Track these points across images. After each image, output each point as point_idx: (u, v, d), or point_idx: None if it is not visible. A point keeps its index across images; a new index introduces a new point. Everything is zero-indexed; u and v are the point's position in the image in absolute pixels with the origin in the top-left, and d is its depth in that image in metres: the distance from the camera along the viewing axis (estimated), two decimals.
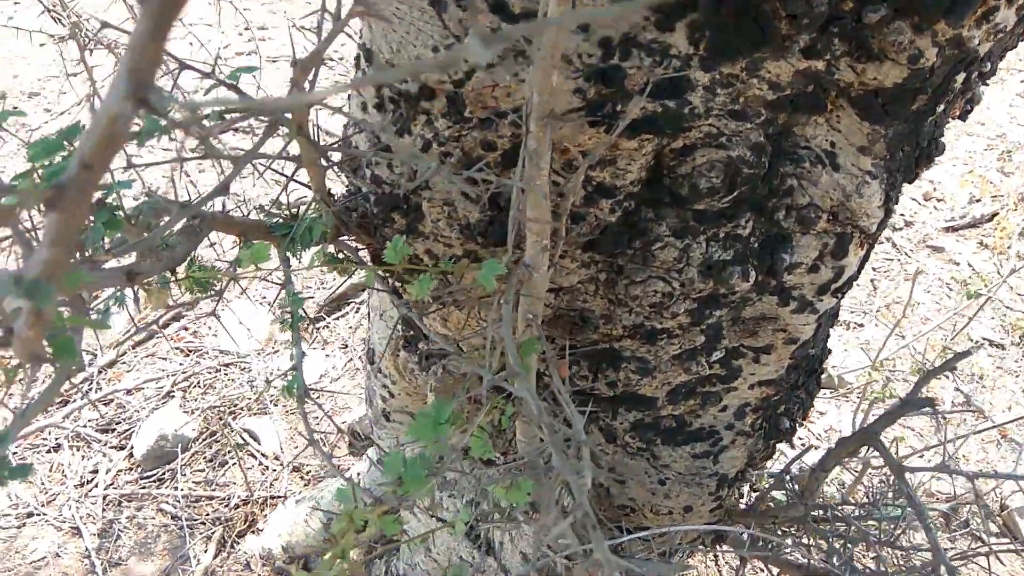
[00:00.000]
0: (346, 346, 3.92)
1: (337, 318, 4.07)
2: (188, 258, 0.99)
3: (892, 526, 1.31)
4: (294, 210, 1.13)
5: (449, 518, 2.10)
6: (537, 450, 1.24)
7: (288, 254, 1.16)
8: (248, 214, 1.15)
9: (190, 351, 3.89)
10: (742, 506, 1.52)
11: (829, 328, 1.32)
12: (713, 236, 1.06)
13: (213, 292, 1.06)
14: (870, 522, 1.33)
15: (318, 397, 3.70)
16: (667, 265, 1.07)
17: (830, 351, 1.44)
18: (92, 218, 0.88)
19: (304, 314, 1.06)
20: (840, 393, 3.48)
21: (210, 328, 4.04)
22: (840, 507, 1.35)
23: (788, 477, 1.40)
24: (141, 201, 0.95)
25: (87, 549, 3.09)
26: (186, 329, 4.05)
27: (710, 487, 1.43)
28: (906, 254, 4.49)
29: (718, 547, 1.51)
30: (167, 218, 0.96)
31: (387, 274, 1.15)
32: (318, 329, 4.04)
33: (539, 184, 0.81)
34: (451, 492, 2.02)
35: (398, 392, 1.92)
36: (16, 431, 0.61)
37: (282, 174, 1.06)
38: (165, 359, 3.89)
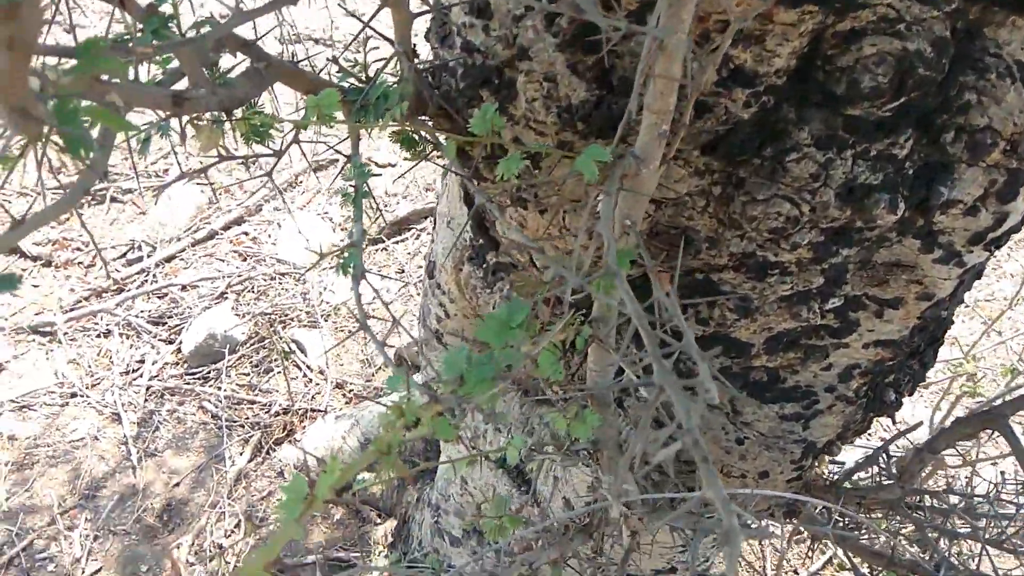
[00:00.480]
0: (402, 271, 3.82)
1: (397, 242, 3.97)
2: (247, 103, 0.86)
3: (1007, 524, 1.13)
4: (370, 73, 0.99)
5: (494, 454, 1.98)
6: (608, 381, 1.10)
7: (359, 127, 1.02)
8: (319, 72, 1.00)
9: (247, 256, 3.84)
10: (822, 482, 1.36)
11: (967, 290, 1.13)
12: (862, 153, 0.88)
13: (270, 149, 0.92)
14: (974, 517, 1.16)
15: (368, 318, 3.61)
16: (800, 183, 0.90)
17: None
18: (141, 26, 0.75)
19: (368, 191, 0.92)
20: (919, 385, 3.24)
21: (270, 236, 3.98)
22: (945, 494, 1.18)
23: (885, 455, 1.24)
24: (199, 20, 0.81)
25: (125, 436, 3.09)
26: (246, 234, 4.00)
27: (793, 454, 1.27)
28: (1007, 248, 4.15)
29: (791, 521, 1.35)
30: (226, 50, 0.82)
31: (468, 154, 1.00)
32: (376, 251, 3.94)
33: (678, 38, 0.64)
34: (498, 426, 1.89)
35: (455, 312, 1.79)
36: (16, 237, 0.49)
37: (358, 19, 0.91)
38: (223, 261, 3.85)
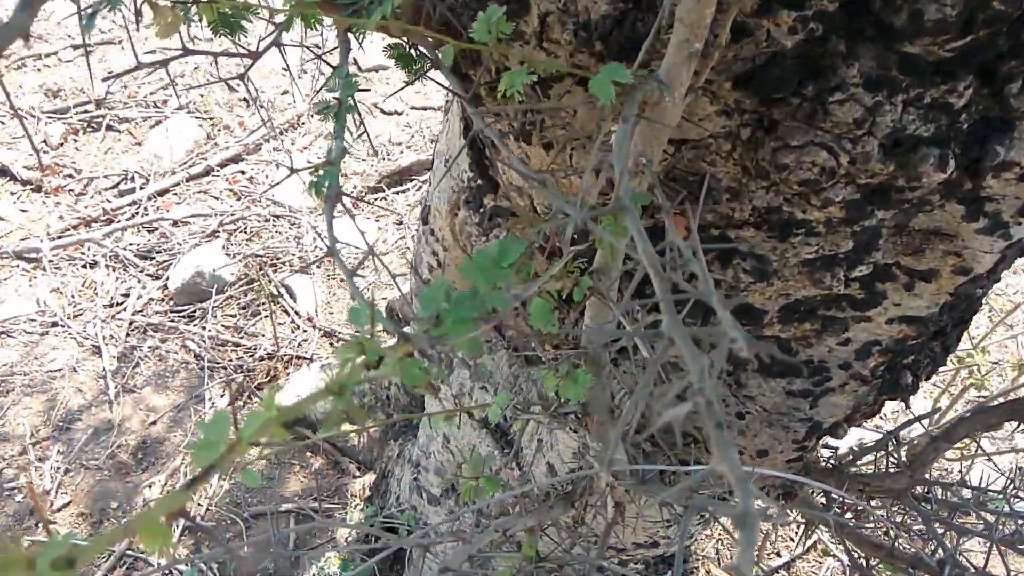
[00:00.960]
0: (401, 222, 3.71)
1: (397, 192, 3.86)
2: None
3: (1022, 523, 1.05)
4: None
5: (477, 412, 1.90)
6: (605, 337, 1.00)
7: (349, 33, 0.91)
8: None
9: (243, 195, 3.73)
10: (823, 465, 1.27)
11: (1007, 268, 1.03)
12: (915, 99, 0.77)
13: (241, 47, 0.81)
14: (986, 514, 1.07)
15: (363, 268, 3.52)
16: (841, 129, 0.79)
17: None
18: None
19: (354, 104, 0.82)
20: None
21: (267, 176, 3.86)
22: (956, 487, 1.09)
23: (894, 441, 1.15)
24: None
25: (104, 370, 3.01)
26: (243, 173, 3.88)
27: (796, 433, 1.18)
28: None
29: (787, 503, 1.27)
30: None
31: (469, 77, 0.89)
32: (373, 202, 3.83)
33: None
34: (484, 384, 1.81)
35: (448, 262, 1.69)
36: None
37: None
38: (217, 198, 3.74)
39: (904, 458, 1.14)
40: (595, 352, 0.96)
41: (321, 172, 0.74)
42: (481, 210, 1.27)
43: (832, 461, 1.26)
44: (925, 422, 1.29)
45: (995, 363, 3.11)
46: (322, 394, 0.50)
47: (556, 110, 0.83)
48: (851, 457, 1.22)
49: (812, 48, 0.76)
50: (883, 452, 1.15)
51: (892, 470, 1.14)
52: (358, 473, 2.72)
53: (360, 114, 0.85)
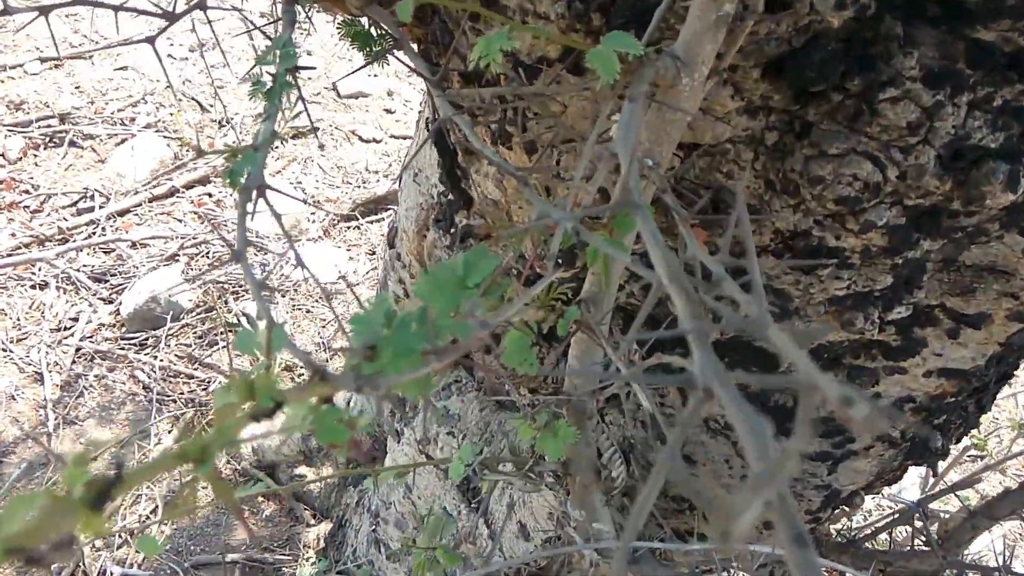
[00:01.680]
0: (373, 253, 3.54)
1: (372, 221, 3.69)
2: None
3: None
4: None
5: (438, 464, 1.72)
6: (592, 381, 0.83)
7: (297, 5, 0.75)
8: None
9: (207, 219, 3.55)
10: (837, 539, 1.10)
11: None
12: (984, 100, 0.63)
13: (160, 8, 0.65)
14: None
15: (333, 299, 3.33)
16: (891, 134, 0.64)
17: None
18: None
19: (294, 83, 0.66)
20: None
21: (236, 200, 3.68)
22: (1001, 572, 0.92)
23: (922, 514, 0.99)
24: None
25: (45, 399, 2.78)
26: (210, 195, 3.71)
27: (811, 503, 1.01)
28: None
29: None
30: None
31: (437, 53, 0.73)
32: (348, 229, 3.67)
33: None
34: (451, 428, 1.63)
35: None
36: None
37: None
38: (180, 221, 3.55)
39: (935, 535, 0.98)
40: (580, 400, 0.79)
41: (239, 157, 0.58)
42: (452, 230, 1.11)
43: (846, 534, 1.09)
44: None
45: (993, 420, 2.97)
46: (171, 461, 0.33)
47: (542, 99, 0.67)
48: (870, 531, 1.05)
49: (862, 29, 0.61)
50: (908, 526, 0.99)
51: (920, 548, 0.98)
52: (313, 521, 2.50)
53: (304, 100, 0.69)
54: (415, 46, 0.85)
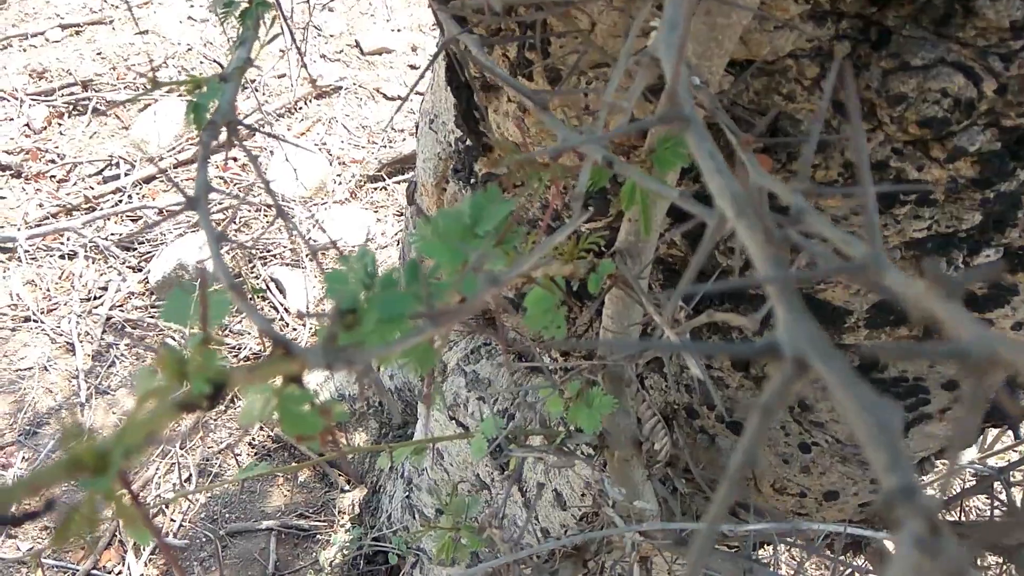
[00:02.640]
0: (401, 214, 3.46)
1: (398, 181, 3.60)
2: None
3: None
4: None
5: (472, 426, 1.65)
6: (631, 345, 0.74)
7: None
8: None
9: (233, 183, 3.49)
10: None
11: None
12: None
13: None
14: None
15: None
16: (990, 39, 0.52)
17: None
18: None
19: (272, 2, 0.56)
20: None
21: (261, 164, 3.62)
22: None
23: (1004, 483, 0.88)
24: None
25: (77, 369, 2.77)
26: (235, 160, 3.64)
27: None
28: None
29: (855, 556, 1.00)
30: None
31: None
32: (375, 190, 3.58)
33: None
34: (481, 394, 1.55)
35: None
36: None
37: None
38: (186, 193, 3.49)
39: (1019, 505, 0.87)
40: (616, 365, 0.70)
41: (204, 89, 0.49)
42: (473, 180, 1.01)
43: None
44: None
45: None
46: (56, 473, 0.25)
47: (567, 9, 0.56)
48: (942, 500, 0.96)
49: None
50: (987, 495, 0.89)
51: (1000, 519, 0.88)
52: (347, 487, 2.47)
53: (287, 20, 0.59)
54: None
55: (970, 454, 2.46)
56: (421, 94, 4.01)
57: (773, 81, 0.61)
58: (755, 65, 0.60)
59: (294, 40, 0.67)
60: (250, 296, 2.88)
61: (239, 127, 0.51)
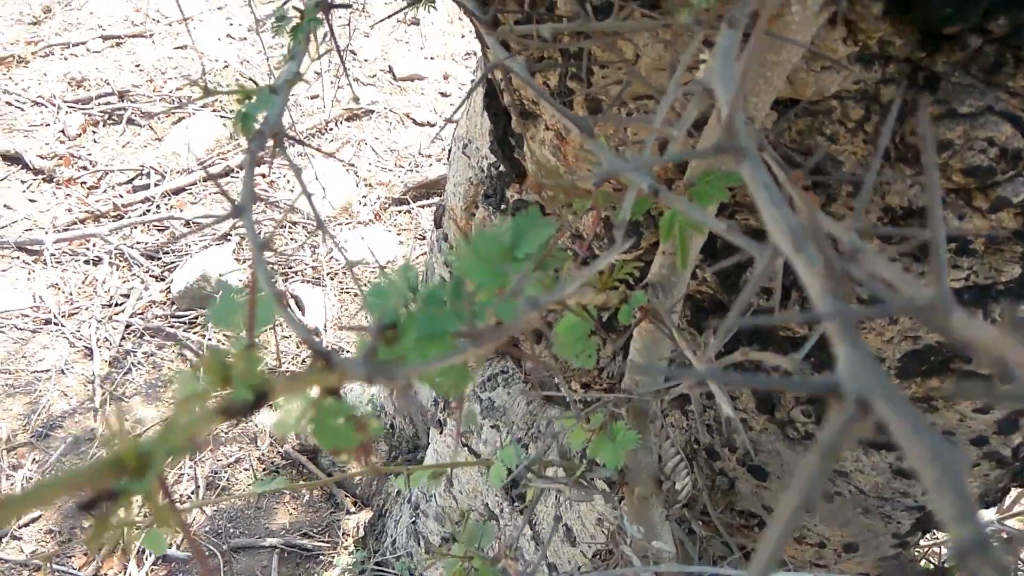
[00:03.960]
0: (423, 238, 3.47)
1: (423, 206, 3.62)
2: None
3: None
4: None
5: (485, 453, 1.63)
6: (658, 380, 0.73)
7: None
8: None
9: (261, 199, 3.52)
10: (926, 567, 0.97)
11: None
12: None
13: None
14: None
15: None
16: None
17: None
18: None
19: (324, 20, 0.56)
20: None
21: (288, 182, 3.66)
22: None
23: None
24: None
25: (94, 374, 2.79)
26: (263, 176, 3.69)
27: (899, 525, 0.89)
28: None
29: None
30: None
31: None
32: (400, 213, 3.60)
33: None
34: (495, 422, 1.53)
35: None
36: None
37: None
38: (235, 200, 3.52)
39: None
40: (642, 400, 0.69)
41: (254, 100, 0.49)
42: (503, 207, 1.01)
43: (936, 563, 0.97)
44: None
45: None
46: (100, 472, 0.24)
47: (612, 40, 0.57)
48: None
49: None
50: (1010, 555, 0.86)
51: None
52: (353, 509, 2.45)
53: (333, 32, 0.60)
54: None
55: (988, 515, 2.40)
56: (454, 121, 4.05)
57: (816, 121, 0.61)
58: (799, 105, 0.60)
59: (342, 61, 0.68)
60: None
61: (286, 139, 0.51)
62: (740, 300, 0.35)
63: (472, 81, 0.88)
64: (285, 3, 0.60)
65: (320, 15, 0.58)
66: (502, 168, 0.95)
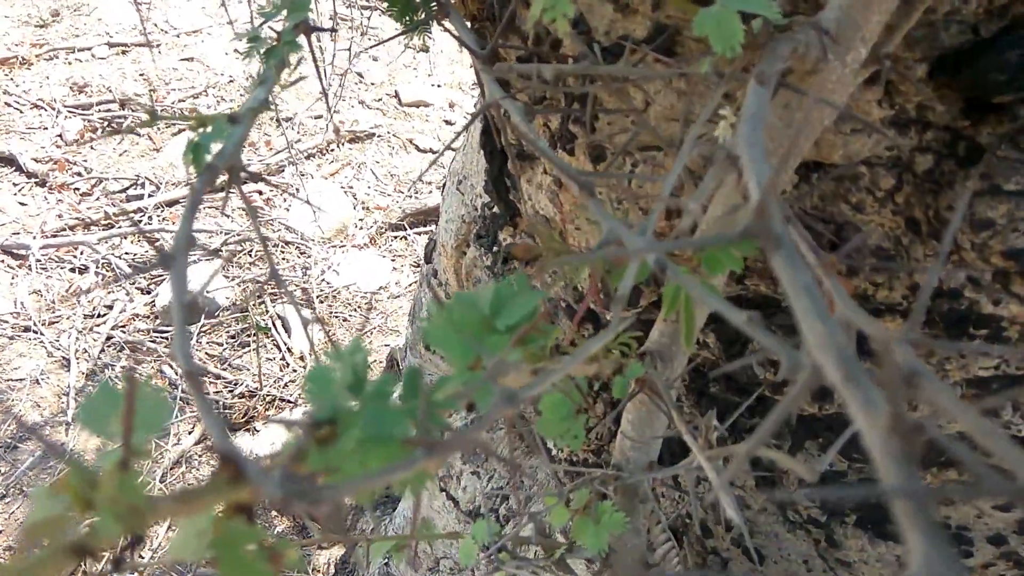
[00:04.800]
0: (418, 265, 3.41)
1: (420, 232, 3.57)
2: None
3: None
4: None
5: (464, 500, 1.55)
6: (649, 457, 0.66)
7: None
8: None
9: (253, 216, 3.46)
10: None
11: None
12: None
13: None
14: None
15: (369, 309, 3.21)
16: None
17: None
18: None
19: (302, 44, 0.51)
20: None
21: (284, 200, 3.61)
22: None
23: None
24: None
25: (69, 386, 2.71)
26: (260, 193, 3.63)
27: None
28: None
29: None
30: None
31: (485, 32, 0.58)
32: (395, 239, 3.55)
33: None
34: (476, 468, 1.46)
35: None
36: None
37: None
38: (228, 216, 3.48)
39: None
40: (632, 478, 0.62)
41: (208, 129, 0.43)
42: (495, 249, 0.95)
43: None
44: None
45: None
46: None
47: (621, 85, 0.51)
48: None
49: None
50: None
51: None
52: (325, 544, 2.36)
53: (316, 57, 0.54)
54: (468, 23, 0.69)
55: None
56: (453, 149, 4.02)
57: (842, 187, 0.55)
58: (824, 169, 0.54)
59: (323, 91, 0.62)
60: (254, 333, 2.82)
61: (242, 174, 0.45)
62: (774, 417, 0.29)
63: (475, 104, 0.84)
64: (264, 23, 0.55)
65: (302, 38, 0.52)
66: (496, 209, 0.89)
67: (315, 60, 0.75)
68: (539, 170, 0.73)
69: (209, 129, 0.43)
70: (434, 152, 3.96)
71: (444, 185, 1.14)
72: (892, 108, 0.50)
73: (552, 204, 0.73)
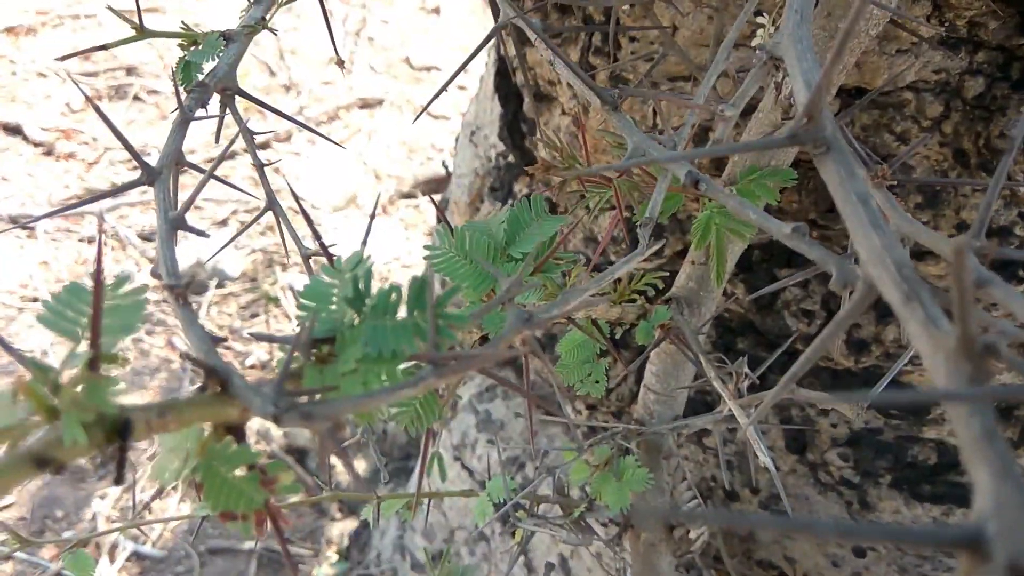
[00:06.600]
0: (431, 234, 3.38)
1: (433, 201, 3.53)
2: None
3: None
4: None
5: (479, 470, 1.53)
6: (676, 410, 0.62)
7: None
8: None
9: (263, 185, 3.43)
10: None
11: None
12: None
13: None
14: None
15: (382, 280, 3.18)
16: None
17: None
18: None
19: None
20: None
21: (295, 168, 3.57)
22: None
23: None
24: None
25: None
26: (270, 161, 3.59)
27: None
28: None
29: None
30: None
31: None
32: (406, 207, 3.51)
33: None
34: (491, 436, 1.43)
35: None
36: None
37: None
38: (235, 186, 3.44)
39: None
40: (656, 433, 0.59)
41: (200, 46, 0.39)
42: (510, 202, 0.92)
43: None
44: None
45: None
46: None
47: (648, 0, 0.47)
48: None
49: None
50: None
51: None
52: (339, 516, 2.35)
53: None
54: None
55: None
56: (446, 91, 3.95)
57: (886, 116, 0.50)
58: (867, 96, 0.49)
59: (336, 54, 0.58)
60: (263, 302, 2.80)
61: (236, 96, 0.42)
62: (813, 349, 0.25)
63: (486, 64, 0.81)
64: None
65: None
66: (511, 159, 0.85)
67: (327, 22, 0.72)
68: (557, 111, 0.69)
69: (201, 47, 0.40)
70: (447, 118, 3.90)
71: (457, 141, 1.10)
72: (942, 25, 0.46)
73: (571, 146, 0.69)
